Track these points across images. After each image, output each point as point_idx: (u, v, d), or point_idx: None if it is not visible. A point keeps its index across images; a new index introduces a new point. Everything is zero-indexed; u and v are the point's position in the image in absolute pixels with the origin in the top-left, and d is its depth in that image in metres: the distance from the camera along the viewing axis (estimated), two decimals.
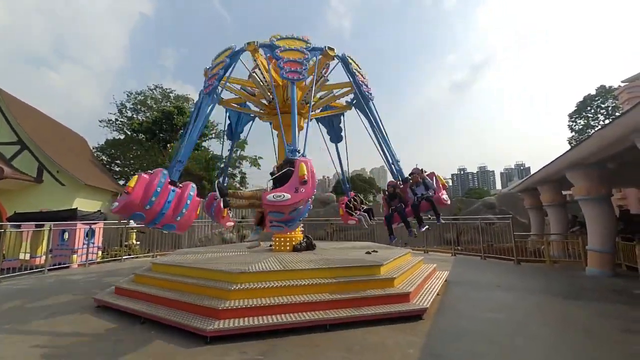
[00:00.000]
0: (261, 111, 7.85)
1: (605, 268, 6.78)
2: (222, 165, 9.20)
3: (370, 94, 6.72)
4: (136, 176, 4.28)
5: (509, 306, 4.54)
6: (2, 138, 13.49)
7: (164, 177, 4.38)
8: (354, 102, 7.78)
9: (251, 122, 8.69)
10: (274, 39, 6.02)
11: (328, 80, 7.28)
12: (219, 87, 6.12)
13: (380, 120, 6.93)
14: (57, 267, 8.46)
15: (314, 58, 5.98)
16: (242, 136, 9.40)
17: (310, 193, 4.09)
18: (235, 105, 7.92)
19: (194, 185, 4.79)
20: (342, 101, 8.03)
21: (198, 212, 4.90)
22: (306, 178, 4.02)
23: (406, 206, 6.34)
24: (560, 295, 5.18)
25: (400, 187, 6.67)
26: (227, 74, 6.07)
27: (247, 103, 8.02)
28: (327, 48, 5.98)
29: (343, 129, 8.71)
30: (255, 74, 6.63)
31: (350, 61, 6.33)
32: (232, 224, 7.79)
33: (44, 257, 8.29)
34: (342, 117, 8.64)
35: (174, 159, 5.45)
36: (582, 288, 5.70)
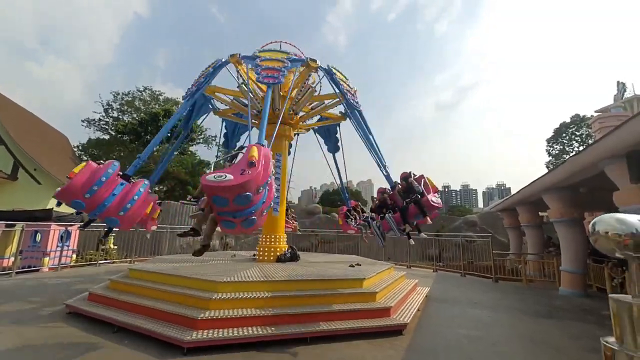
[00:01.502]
0: (254, 122, 7.89)
1: (577, 288, 7.06)
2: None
3: (357, 102, 6.78)
4: (84, 163, 4.19)
5: (485, 324, 4.65)
6: None
7: (112, 168, 4.23)
8: (347, 113, 7.82)
9: (249, 131, 8.72)
10: (257, 51, 6.27)
11: (316, 92, 7.40)
12: (212, 100, 6.27)
13: (368, 127, 7.06)
14: (26, 269, 8.03)
15: (296, 68, 6.23)
16: (238, 145, 9.46)
17: (258, 178, 3.46)
18: (232, 116, 7.99)
19: (147, 183, 4.65)
20: (337, 112, 8.16)
21: (148, 211, 4.77)
22: (254, 160, 3.50)
23: (395, 212, 6.06)
24: (534, 314, 5.35)
25: (389, 194, 6.48)
26: (206, 85, 6.26)
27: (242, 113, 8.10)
28: (309, 59, 6.10)
29: (340, 139, 8.84)
30: (245, 85, 6.71)
31: (335, 71, 6.44)
32: (155, 227, 7.68)
33: (12, 259, 7.86)
34: (338, 128, 8.76)
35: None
36: (555, 307, 5.91)
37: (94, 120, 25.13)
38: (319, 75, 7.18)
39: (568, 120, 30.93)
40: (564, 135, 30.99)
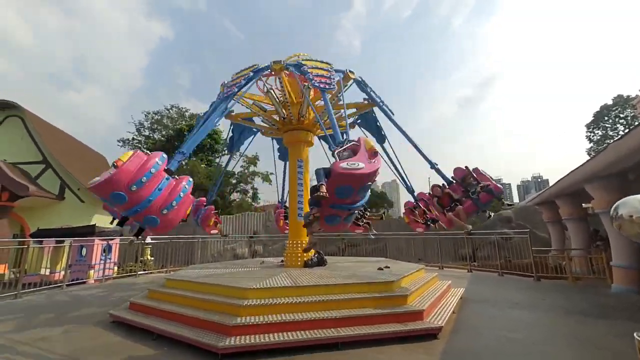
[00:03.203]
0: (272, 126, 8.04)
1: (632, 285, 6.42)
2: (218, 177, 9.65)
3: (328, 84, 6.67)
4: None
5: (528, 325, 4.35)
6: (29, 157, 14.23)
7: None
8: (357, 121, 8.30)
9: (252, 136, 8.98)
10: (296, 58, 6.44)
11: (310, 89, 7.41)
12: (235, 101, 6.46)
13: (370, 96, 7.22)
14: (74, 282, 8.67)
15: (337, 77, 6.27)
16: (253, 152, 9.79)
17: (120, 175, 3.35)
18: (241, 120, 8.18)
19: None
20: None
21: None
22: (118, 163, 3.38)
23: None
24: (583, 313, 4.92)
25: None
26: (247, 87, 6.44)
27: (253, 118, 8.27)
28: (348, 70, 6.51)
29: (381, 128, 8.67)
30: (272, 91, 6.88)
31: (303, 63, 6.37)
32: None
33: (63, 273, 8.52)
34: (374, 115, 8.49)
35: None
36: (607, 306, 5.40)
37: (127, 139, 26.86)
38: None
39: (610, 102, 28.57)
40: (606, 118, 28.62)
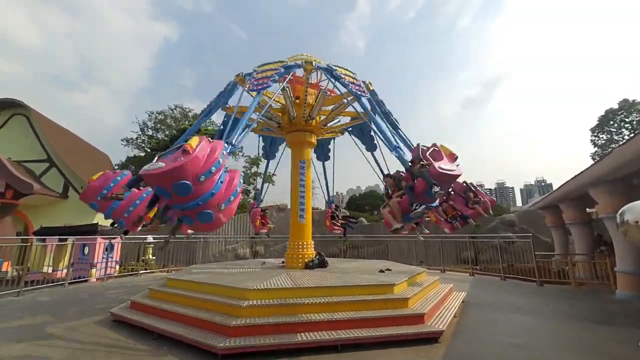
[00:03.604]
0: (278, 125, 8.02)
1: (636, 291, 6.34)
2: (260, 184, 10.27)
3: (363, 91, 6.37)
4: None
5: (530, 330, 4.31)
6: (33, 156, 14.35)
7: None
8: (349, 128, 8.43)
9: (284, 143, 9.16)
10: (322, 63, 6.53)
11: (327, 94, 7.40)
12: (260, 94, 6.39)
13: (380, 107, 7.02)
14: (76, 280, 8.70)
15: (291, 72, 6.39)
16: (254, 153, 9.99)
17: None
18: (265, 131, 8.39)
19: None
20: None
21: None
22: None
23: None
24: (587, 319, 4.87)
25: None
26: (222, 103, 6.66)
27: (253, 115, 8.29)
28: (304, 62, 6.29)
29: (374, 137, 8.58)
30: (288, 89, 6.84)
31: (336, 68, 6.40)
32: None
33: (65, 271, 8.56)
34: (369, 126, 8.59)
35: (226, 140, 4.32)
36: (611, 312, 5.34)
37: (131, 139, 27.01)
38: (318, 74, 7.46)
39: (615, 107, 28.34)
40: (611, 122, 28.38)
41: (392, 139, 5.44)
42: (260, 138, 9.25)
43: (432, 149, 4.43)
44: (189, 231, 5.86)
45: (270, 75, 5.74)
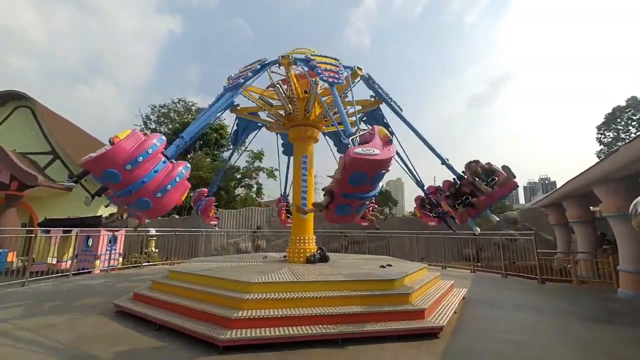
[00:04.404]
0: (277, 121, 8.03)
1: (639, 290, 6.32)
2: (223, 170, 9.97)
3: (338, 78, 6.56)
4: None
5: (531, 328, 4.31)
6: (37, 148, 14.44)
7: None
8: (363, 118, 8.14)
9: (257, 130, 9.03)
10: (302, 54, 6.41)
11: (317, 85, 7.35)
12: (239, 93, 6.36)
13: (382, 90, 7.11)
14: (80, 272, 8.81)
15: (346, 73, 6.14)
16: (258, 147, 9.83)
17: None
18: (247, 115, 8.17)
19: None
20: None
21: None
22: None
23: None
24: (588, 318, 4.86)
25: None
26: (252, 79, 6.36)
27: (259, 113, 8.26)
28: (356, 67, 6.42)
29: (389, 125, 8.56)
30: (279, 84, 6.87)
31: (312, 58, 6.28)
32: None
33: (69, 262, 8.66)
34: (381, 112, 8.47)
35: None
36: (612, 311, 5.33)
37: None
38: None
39: (623, 104, 27.96)
40: (618, 120, 28.03)
41: (348, 122, 4.96)
42: (236, 121, 8.65)
43: (365, 132, 4.19)
44: (146, 220, 5.95)
45: (244, 74, 5.94)
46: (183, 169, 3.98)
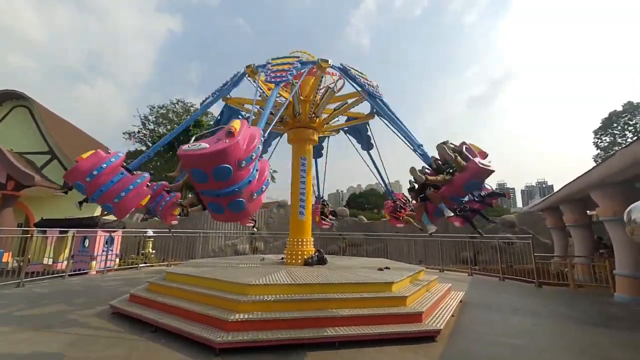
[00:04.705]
0: (277, 127, 8.04)
1: (636, 294, 6.34)
2: None
3: (377, 91, 6.50)
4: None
5: (528, 331, 4.31)
6: (35, 148, 14.36)
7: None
8: (374, 110, 7.50)
9: (279, 137, 9.10)
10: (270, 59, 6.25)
11: (336, 92, 7.34)
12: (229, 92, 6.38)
13: (393, 113, 6.57)
14: (77, 272, 8.74)
15: (306, 69, 6.14)
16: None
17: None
18: (239, 106, 7.71)
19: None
20: (363, 114, 8.06)
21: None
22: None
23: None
24: (585, 322, 4.87)
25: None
26: (224, 92, 6.47)
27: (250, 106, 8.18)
28: (320, 60, 6.02)
29: (372, 137, 8.69)
30: (297, 84, 6.74)
31: (350, 68, 6.34)
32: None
33: (65, 263, 8.60)
34: (367, 127, 8.59)
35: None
36: (609, 315, 5.35)
37: (133, 132, 26.99)
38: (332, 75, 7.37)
39: (619, 109, 28.19)
40: (615, 125, 28.25)
41: (414, 138, 5.63)
42: (222, 110, 7.93)
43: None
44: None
45: (288, 69, 5.61)
46: (138, 179, 4.66)
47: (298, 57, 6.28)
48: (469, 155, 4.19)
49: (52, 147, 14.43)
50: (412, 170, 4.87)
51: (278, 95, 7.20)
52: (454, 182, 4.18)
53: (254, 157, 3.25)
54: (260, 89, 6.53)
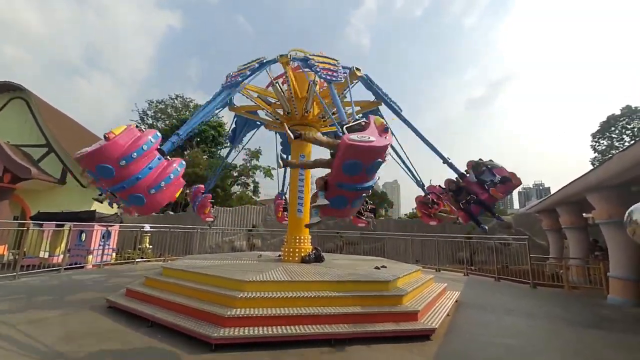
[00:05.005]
0: (276, 120, 8.03)
1: (629, 297, 6.40)
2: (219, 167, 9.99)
3: (335, 76, 6.37)
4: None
5: (522, 332, 4.35)
6: (32, 140, 14.27)
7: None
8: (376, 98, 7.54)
9: (255, 129, 9.03)
10: (302, 53, 6.41)
11: (346, 97, 7.38)
12: (236, 91, 6.32)
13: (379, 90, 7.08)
14: (73, 266, 8.72)
15: (344, 73, 6.11)
16: (256, 146, 9.76)
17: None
18: (245, 113, 8.08)
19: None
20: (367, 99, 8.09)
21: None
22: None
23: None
24: (578, 323, 4.92)
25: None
26: (250, 78, 6.35)
27: (258, 111, 8.24)
28: (354, 68, 6.37)
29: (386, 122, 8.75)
30: (278, 84, 6.87)
31: (310, 57, 6.24)
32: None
33: (62, 256, 8.57)
34: (379, 114, 8.62)
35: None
36: (602, 317, 5.40)
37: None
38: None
39: (617, 113, 28.34)
40: (613, 129, 28.42)
41: (344, 114, 5.07)
42: (235, 120, 8.47)
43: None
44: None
45: (241, 73, 5.88)
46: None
47: (261, 59, 6.43)
48: (345, 132, 3.54)
49: (49, 139, 14.35)
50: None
51: (266, 94, 7.30)
52: (332, 164, 3.72)
53: (135, 157, 3.48)
54: (289, 81, 6.70)
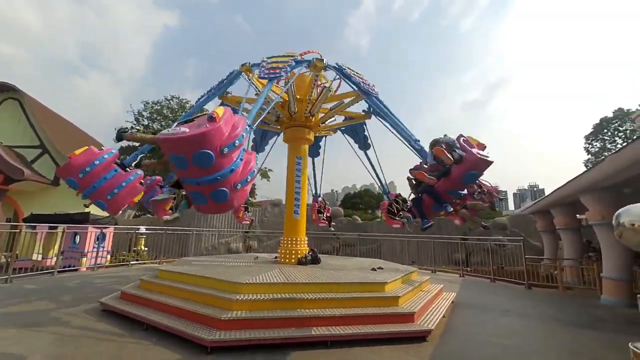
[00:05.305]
0: (275, 126, 8.06)
1: (621, 297, 6.48)
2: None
3: (372, 89, 6.47)
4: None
5: (518, 332, 4.39)
6: (25, 141, 14.09)
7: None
8: (371, 109, 7.60)
9: (276, 136, 9.05)
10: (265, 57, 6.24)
11: (331, 92, 7.42)
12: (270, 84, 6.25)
13: (389, 110, 6.59)
14: (66, 269, 8.61)
15: (303, 68, 6.29)
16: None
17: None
18: (236, 104, 7.86)
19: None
20: (359, 111, 8.07)
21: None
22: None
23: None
24: (572, 323, 4.97)
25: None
26: (220, 90, 6.61)
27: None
28: (315, 59, 6.00)
29: (369, 137, 8.72)
30: (293, 85, 6.80)
31: (345, 67, 6.30)
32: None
33: (55, 259, 8.46)
34: (364, 127, 8.64)
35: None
36: (595, 317, 5.46)
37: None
38: (325, 73, 7.30)
39: (610, 115, 28.77)
40: (605, 131, 28.84)
41: (411, 134, 5.71)
42: (250, 131, 8.87)
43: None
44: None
45: (283, 67, 5.58)
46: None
47: (293, 56, 6.27)
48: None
49: (43, 140, 14.17)
50: (411, 171, 5.11)
51: (275, 93, 7.21)
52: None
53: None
54: (255, 87, 6.51)
